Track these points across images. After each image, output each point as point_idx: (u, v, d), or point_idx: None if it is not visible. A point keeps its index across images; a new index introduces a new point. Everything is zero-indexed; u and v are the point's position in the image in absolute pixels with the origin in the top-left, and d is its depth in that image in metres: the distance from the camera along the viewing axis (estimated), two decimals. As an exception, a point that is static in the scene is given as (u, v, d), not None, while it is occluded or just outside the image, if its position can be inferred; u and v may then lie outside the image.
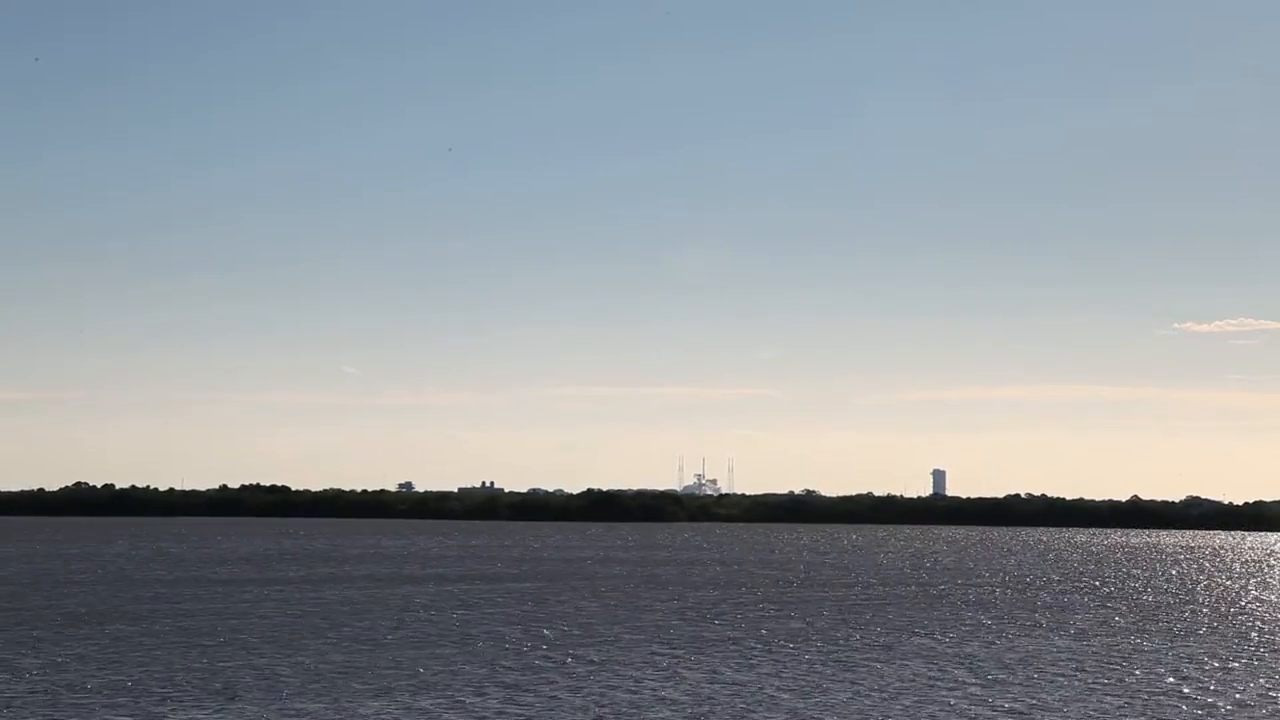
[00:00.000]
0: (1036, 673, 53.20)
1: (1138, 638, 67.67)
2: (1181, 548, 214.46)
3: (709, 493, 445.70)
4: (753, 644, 61.86)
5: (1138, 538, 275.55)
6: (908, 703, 45.16)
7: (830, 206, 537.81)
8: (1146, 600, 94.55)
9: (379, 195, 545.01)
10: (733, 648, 60.31)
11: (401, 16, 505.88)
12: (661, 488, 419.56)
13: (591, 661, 54.56)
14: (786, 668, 53.59)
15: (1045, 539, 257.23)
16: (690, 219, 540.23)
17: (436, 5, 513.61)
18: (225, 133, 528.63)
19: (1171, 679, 51.87)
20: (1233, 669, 55.41)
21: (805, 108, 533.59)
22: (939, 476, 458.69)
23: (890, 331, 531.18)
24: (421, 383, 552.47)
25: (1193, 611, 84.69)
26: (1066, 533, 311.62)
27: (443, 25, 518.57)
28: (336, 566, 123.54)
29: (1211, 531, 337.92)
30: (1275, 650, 62.81)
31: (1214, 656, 59.58)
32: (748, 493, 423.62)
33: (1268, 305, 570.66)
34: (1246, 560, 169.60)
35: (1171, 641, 66.05)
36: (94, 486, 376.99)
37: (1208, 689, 49.36)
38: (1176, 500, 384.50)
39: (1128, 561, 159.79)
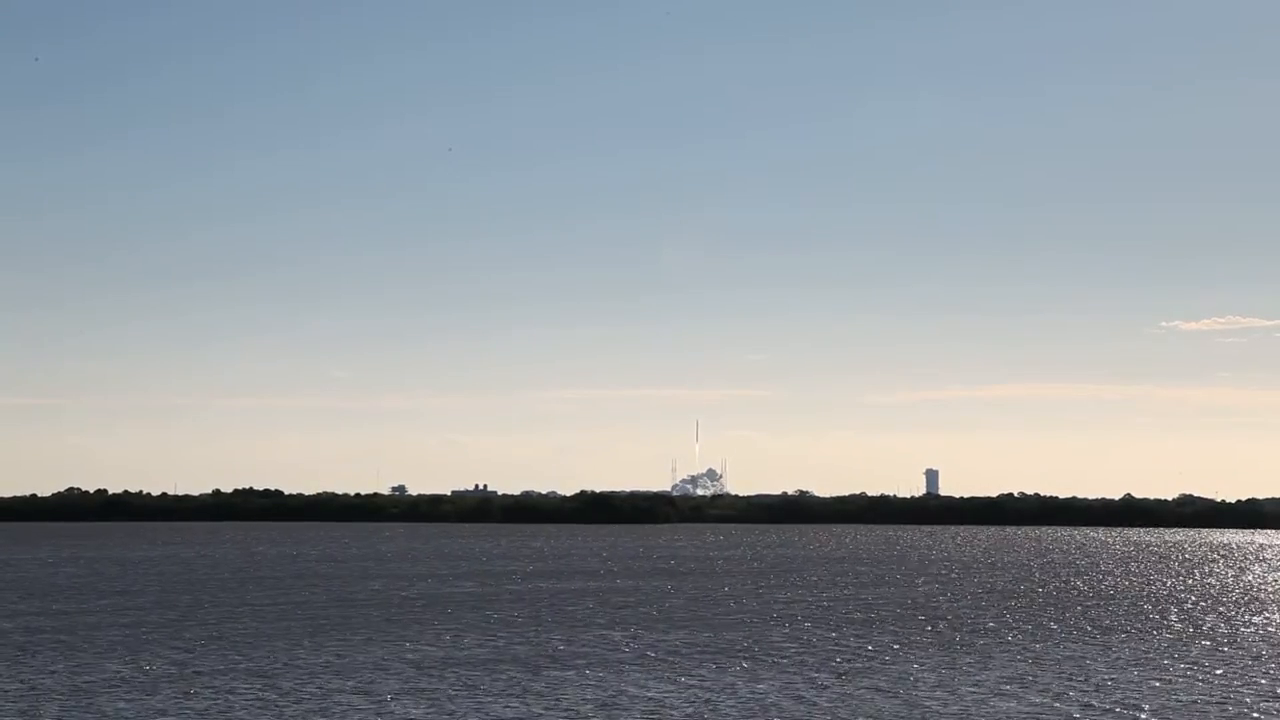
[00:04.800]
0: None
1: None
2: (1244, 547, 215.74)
3: (703, 492, 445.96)
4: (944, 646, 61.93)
5: (1143, 535, 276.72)
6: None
7: (824, 207, 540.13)
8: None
9: (377, 196, 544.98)
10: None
11: (402, 17, 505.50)
12: (654, 489, 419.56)
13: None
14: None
15: (1067, 537, 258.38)
16: (683, 220, 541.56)
17: (436, 5, 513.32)
18: (223, 134, 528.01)
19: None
20: None
21: (799, 107, 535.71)
22: (932, 476, 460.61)
23: (883, 332, 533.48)
24: (413, 386, 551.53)
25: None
26: (1064, 531, 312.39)
27: (443, 25, 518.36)
28: (477, 564, 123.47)
29: (1206, 530, 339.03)
30: None
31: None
32: (741, 493, 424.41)
33: (1255, 303, 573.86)
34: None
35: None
36: (86, 492, 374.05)
37: None
38: (1169, 498, 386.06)
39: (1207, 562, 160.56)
